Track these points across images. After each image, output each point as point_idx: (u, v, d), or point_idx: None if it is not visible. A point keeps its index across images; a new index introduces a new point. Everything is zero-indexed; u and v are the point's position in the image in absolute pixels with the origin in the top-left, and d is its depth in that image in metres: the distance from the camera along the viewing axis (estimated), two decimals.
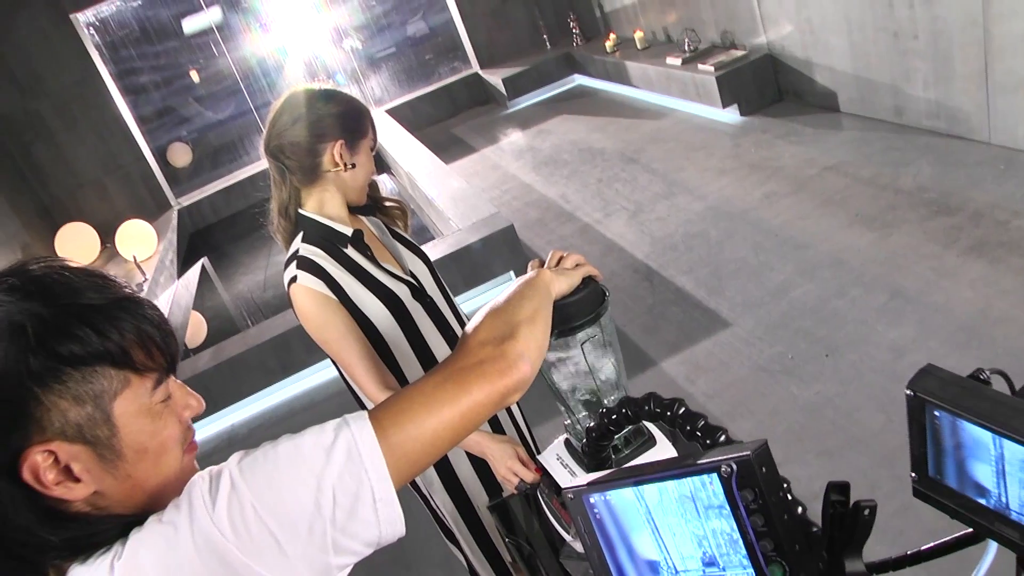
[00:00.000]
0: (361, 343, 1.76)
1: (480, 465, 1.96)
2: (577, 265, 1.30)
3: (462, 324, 2.02)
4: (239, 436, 4.43)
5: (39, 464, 0.78)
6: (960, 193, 3.94)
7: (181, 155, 9.24)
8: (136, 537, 0.80)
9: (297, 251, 1.81)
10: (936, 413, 0.65)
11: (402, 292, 1.86)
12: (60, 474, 0.80)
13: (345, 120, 1.81)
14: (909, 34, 4.52)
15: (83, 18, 8.39)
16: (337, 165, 1.80)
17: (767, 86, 5.98)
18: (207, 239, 8.63)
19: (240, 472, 0.82)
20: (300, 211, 1.84)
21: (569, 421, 1.52)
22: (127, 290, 0.87)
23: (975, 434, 0.61)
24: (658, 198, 5.18)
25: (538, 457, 1.57)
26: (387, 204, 2.01)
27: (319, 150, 1.79)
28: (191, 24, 9.31)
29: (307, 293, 1.75)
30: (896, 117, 4.89)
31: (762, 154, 5.23)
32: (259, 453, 0.85)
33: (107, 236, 7.77)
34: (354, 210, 1.93)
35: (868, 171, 4.49)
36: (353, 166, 1.82)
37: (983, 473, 0.62)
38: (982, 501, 0.63)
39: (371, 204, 1.97)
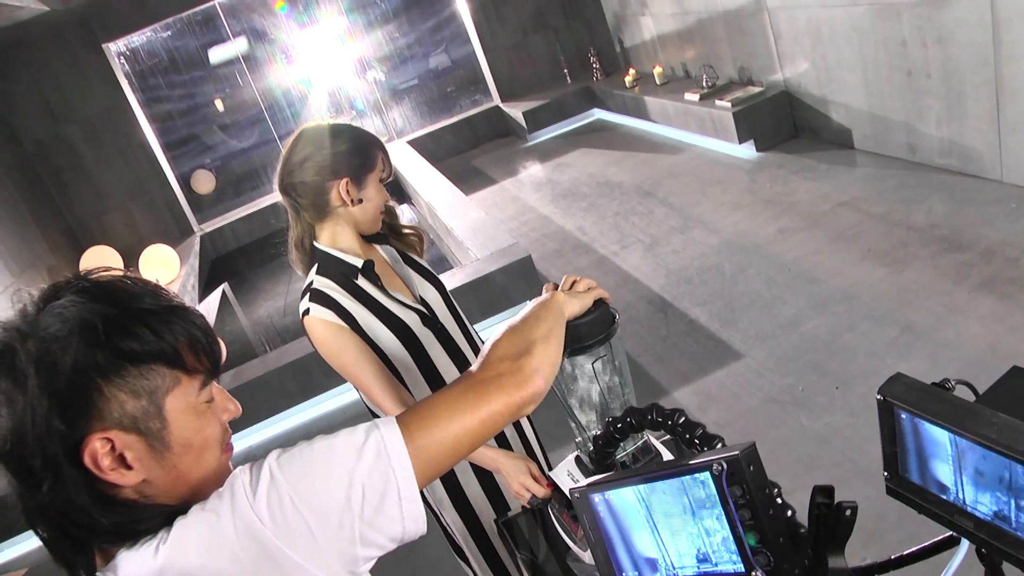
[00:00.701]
0: (375, 364, 1.83)
1: (488, 483, 2.01)
2: (588, 288, 1.38)
3: (476, 349, 2.06)
4: (256, 457, 4.48)
5: (98, 450, 0.87)
6: (971, 230, 3.99)
7: (205, 182, 9.40)
8: (181, 523, 0.88)
9: (311, 283, 1.88)
10: (903, 415, 0.71)
11: (411, 320, 1.91)
12: (115, 461, 0.88)
13: (350, 157, 1.86)
14: (922, 73, 4.59)
15: (114, 48, 8.61)
16: (344, 202, 1.87)
17: (783, 122, 6.06)
18: (228, 265, 8.76)
19: (279, 466, 0.90)
20: (315, 244, 1.92)
21: (580, 439, 1.58)
22: (177, 300, 0.96)
23: (935, 435, 0.67)
24: (674, 231, 5.25)
25: (549, 473, 1.63)
26: (404, 231, 2.07)
27: (326, 188, 1.85)
28: (217, 54, 9.51)
29: (320, 324, 1.82)
30: (909, 155, 4.95)
31: (777, 189, 5.30)
32: (296, 450, 0.93)
33: (131, 260, 7.90)
34: (369, 238, 1.99)
35: (881, 207, 4.54)
36: (360, 201, 1.87)
37: (943, 471, 0.68)
38: (943, 496, 0.69)
39: (385, 232, 2.02)
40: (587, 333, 1.37)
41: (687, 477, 0.75)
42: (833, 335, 3.63)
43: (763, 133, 6.04)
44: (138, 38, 8.88)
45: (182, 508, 0.91)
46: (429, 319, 1.96)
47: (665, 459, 1.56)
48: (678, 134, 7.05)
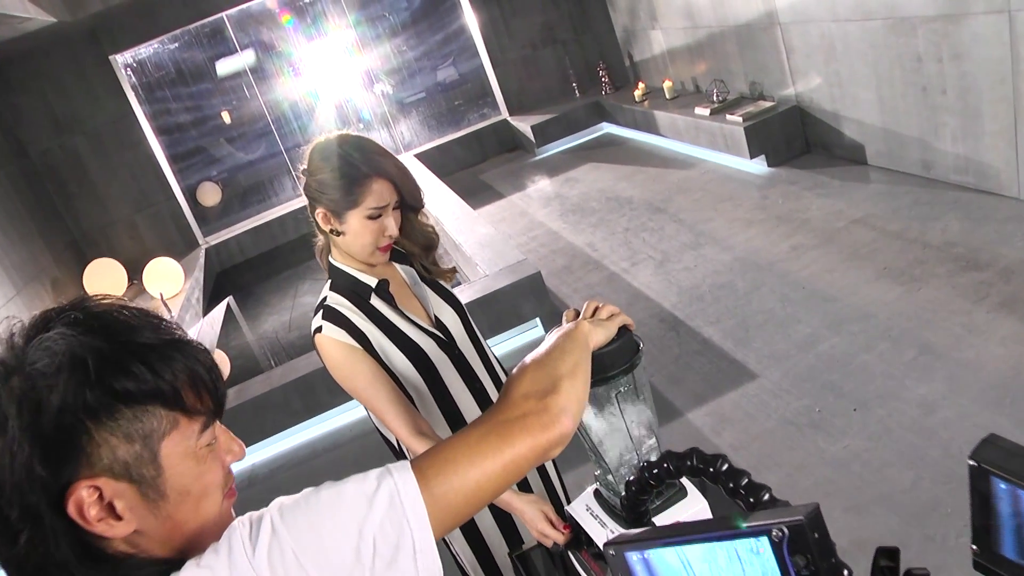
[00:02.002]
0: (389, 389, 1.75)
1: (502, 517, 1.94)
2: (611, 316, 1.31)
3: (494, 375, 1.99)
4: (260, 476, 4.43)
5: (84, 499, 0.79)
6: (989, 249, 3.92)
7: (211, 195, 9.36)
8: None
9: (324, 299, 1.82)
10: (1002, 485, 0.64)
11: (427, 344, 1.84)
12: (103, 511, 0.80)
13: (329, 189, 1.74)
14: (938, 89, 4.53)
15: (121, 59, 8.59)
16: (326, 229, 1.80)
17: (795, 138, 6.00)
18: (233, 278, 8.71)
19: (281, 517, 0.82)
20: (330, 259, 1.86)
21: (599, 471, 1.51)
22: (179, 333, 0.88)
23: None
24: (685, 248, 5.18)
25: (567, 509, 1.56)
26: (437, 267, 1.98)
27: (313, 209, 1.80)
28: (224, 66, 9.49)
29: (332, 344, 1.75)
30: (924, 171, 4.88)
31: (789, 206, 5.23)
32: (300, 499, 0.85)
33: (135, 273, 7.86)
34: (393, 255, 1.91)
35: (896, 225, 4.48)
36: (341, 233, 1.78)
37: None
38: None
39: (412, 252, 1.95)
40: (611, 363, 1.30)
41: (740, 541, 0.68)
42: (849, 355, 3.56)
43: (775, 148, 5.98)
44: (145, 50, 8.86)
45: (176, 561, 0.83)
46: (446, 344, 1.88)
47: (690, 494, 1.49)
48: (688, 149, 6.99)
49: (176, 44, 9.09)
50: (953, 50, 4.31)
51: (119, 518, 0.81)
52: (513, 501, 1.73)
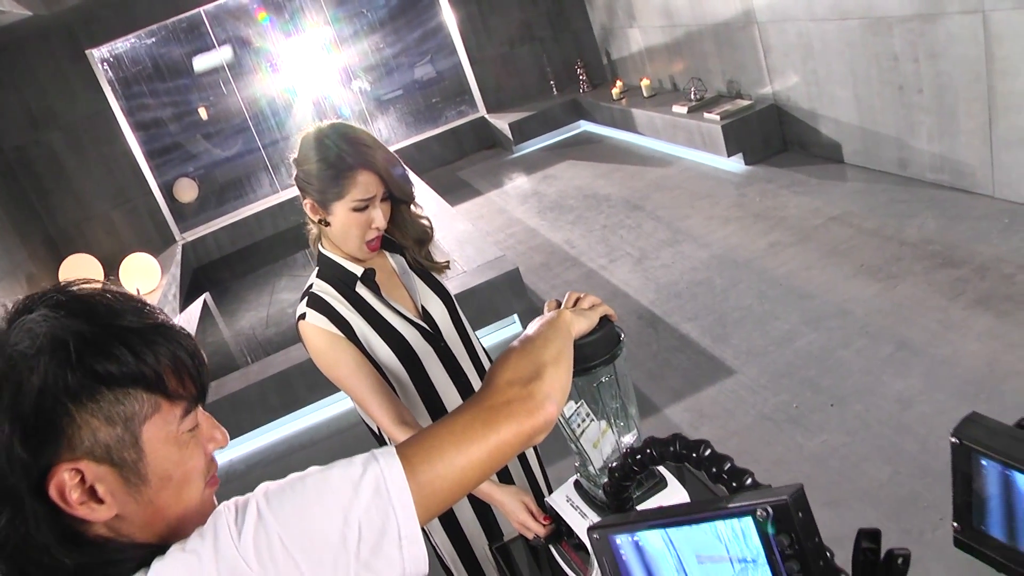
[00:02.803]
0: (373, 378, 1.75)
1: (482, 510, 1.94)
2: (593, 306, 1.31)
3: (481, 369, 1.98)
4: (237, 472, 4.40)
5: (66, 482, 0.78)
6: (965, 246, 3.96)
7: (187, 191, 9.28)
8: (158, 566, 0.80)
9: (311, 286, 1.81)
10: (983, 462, 0.64)
11: (411, 335, 1.83)
12: (85, 494, 0.80)
13: (315, 180, 1.73)
14: (914, 88, 4.57)
15: (98, 54, 8.49)
16: (314, 219, 1.80)
17: (772, 136, 6.03)
18: (211, 275, 8.64)
19: (267, 502, 0.82)
20: (320, 247, 1.85)
21: (580, 463, 1.51)
22: (163, 317, 0.88)
23: None
24: (663, 245, 5.20)
25: (548, 499, 1.56)
26: (430, 261, 1.96)
27: (303, 198, 1.79)
28: (202, 62, 9.42)
29: (315, 332, 1.75)
30: (901, 169, 4.93)
31: (767, 203, 5.26)
32: (286, 484, 0.85)
33: (111, 268, 7.78)
34: (384, 244, 1.89)
35: (873, 222, 4.51)
36: (328, 223, 1.77)
37: None
38: None
39: (403, 243, 1.92)
40: (592, 353, 1.30)
41: (724, 522, 0.68)
42: (827, 351, 3.58)
43: (752, 147, 6.01)
44: (122, 45, 8.77)
45: (158, 547, 0.83)
46: (431, 335, 1.87)
47: (670, 484, 1.49)
48: (666, 147, 7.02)
49: (153, 39, 9.01)
50: (929, 49, 4.35)
51: (100, 502, 0.81)
52: (494, 493, 1.73)
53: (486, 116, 9.34)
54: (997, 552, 0.66)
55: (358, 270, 1.82)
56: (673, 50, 7.26)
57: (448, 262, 2.00)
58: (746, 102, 6.15)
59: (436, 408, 1.88)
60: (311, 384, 4.57)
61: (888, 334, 3.53)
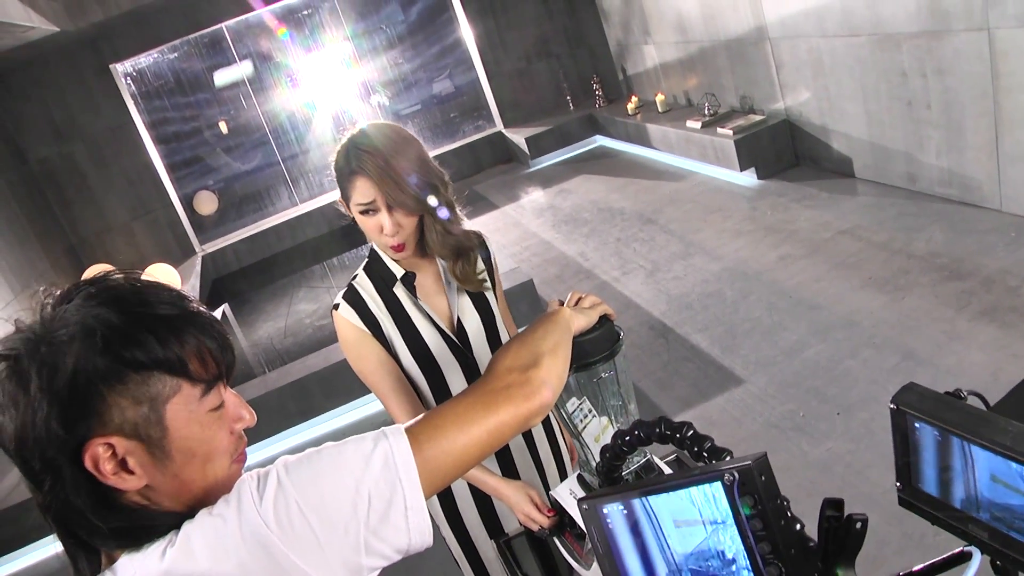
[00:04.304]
0: (395, 376, 1.84)
1: (486, 509, 1.99)
2: (593, 305, 1.39)
3: None
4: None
5: (99, 454, 0.87)
6: (971, 259, 4.01)
7: (207, 203, 9.43)
8: (188, 527, 0.88)
9: (355, 277, 1.89)
10: (916, 425, 0.72)
11: (437, 345, 1.87)
12: (117, 465, 0.88)
13: (336, 173, 1.80)
14: (922, 104, 4.63)
15: (121, 68, 8.67)
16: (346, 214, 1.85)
17: (784, 151, 6.10)
18: (229, 286, 8.77)
19: (287, 472, 0.90)
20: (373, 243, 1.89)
21: (582, 457, 1.58)
22: (193, 305, 0.96)
23: (950, 443, 0.68)
24: (675, 258, 5.27)
25: (552, 493, 1.63)
26: (470, 273, 1.92)
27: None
28: (223, 77, 9.56)
29: (344, 324, 1.84)
30: (909, 184, 4.98)
31: (778, 217, 5.33)
32: (303, 457, 0.93)
33: None
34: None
35: (882, 236, 4.57)
36: (353, 219, 1.83)
37: (957, 480, 0.69)
38: (957, 506, 0.70)
39: (448, 254, 1.89)
40: (592, 350, 1.37)
41: (697, 488, 0.76)
42: (834, 362, 3.64)
43: (764, 161, 6.08)
44: (145, 59, 8.95)
45: (189, 514, 0.91)
46: (459, 349, 1.89)
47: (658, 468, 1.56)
48: (680, 161, 7.09)
49: (175, 54, 9.18)
50: (936, 66, 4.41)
51: (131, 472, 0.89)
52: (500, 487, 1.80)
53: (503, 131, 9.45)
54: (930, 506, 0.73)
55: (399, 271, 1.86)
56: (687, 66, 7.34)
57: (484, 280, 1.94)
58: (759, 117, 6.22)
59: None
60: (328, 392, 4.66)
61: (894, 345, 3.59)
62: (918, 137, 4.78)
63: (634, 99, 8.06)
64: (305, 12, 9.46)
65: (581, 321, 1.33)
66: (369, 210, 1.76)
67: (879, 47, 4.80)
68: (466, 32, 9.28)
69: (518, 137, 8.93)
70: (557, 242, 6.31)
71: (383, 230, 1.77)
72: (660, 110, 7.60)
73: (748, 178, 6.14)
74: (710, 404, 3.68)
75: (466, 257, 1.89)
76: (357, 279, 1.89)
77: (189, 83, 9.41)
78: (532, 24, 9.26)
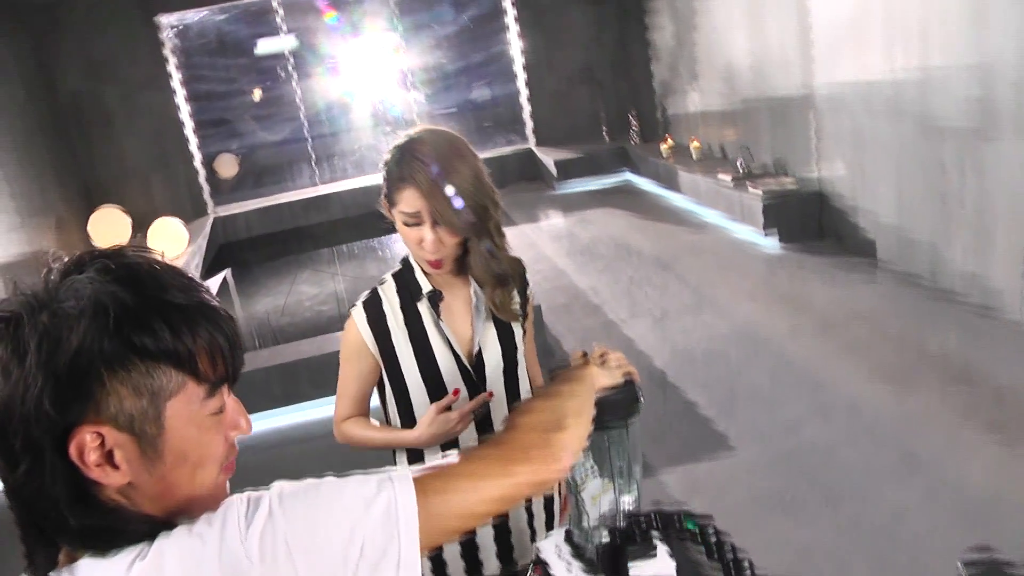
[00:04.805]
0: (360, 395, 1.86)
1: (468, 550, 1.93)
2: (619, 365, 1.34)
3: None
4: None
5: (87, 442, 0.81)
6: (984, 368, 3.95)
7: (228, 167, 9.40)
8: (162, 542, 0.83)
9: (382, 281, 1.84)
10: None
11: (449, 369, 1.81)
12: (103, 457, 0.82)
13: (383, 176, 1.74)
14: (956, 201, 4.59)
15: (167, 20, 8.65)
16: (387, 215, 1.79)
17: (810, 220, 6.06)
18: (236, 253, 8.71)
19: (280, 502, 0.85)
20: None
21: (575, 513, 1.52)
22: (208, 297, 0.89)
23: None
24: (686, 309, 5.22)
25: (536, 545, 1.57)
26: (504, 303, 1.82)
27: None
28: (265, 46, 9.56)
29: (351, 327, 1.81)
30: (931, 278, 4.93)
31: (795, 287, 5.28)
32: (301, 489, 0.88)
33: (140, 228, 7.85)
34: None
35: (896, 326, 4.52)
36: (395, 227, 1.76)
37: None
38: None
39: (485, 279, 1.81)
40: (609, 412, 1.32)
41: None
42: (831, 447, 3.58)
43: (789, 227, 6.04)
44: (192, 15, 8.93)
45: (166, 523, 0.86)
46: (472, 380, 1.83)
47: (659, 554, 1.50)
48: (705, 211, 7.05)
49: (224, 15, 9.17)
50: (977, 165, 4.38)
51: (116, 468, 0.83)
52: (406, 436, 1.80)
53: (534, 149, 9.40)
54: None
55: (427, 287, 1.80)
56: (728, 117, 7.31)
57: (517, 313, 1.85)
58: (790, 182, 6.18)
59: (447, 445, 1.86)
60: (316, 381, 4.60)
61: (894, 441, 3.53)
62: (947, 233, 4.73)
63: (669, 140, 8.02)
64: None
65: (605, 381, 1.28)
66: (413, 222, 1.69)
67: (923, 135, 4.76)
68: (514, 44, 9.25)
69: (548, 158, 8.89)
70: (570, 271, 6.26)
71: (424, 244, 1.70)
72: (693, 157, 7.57)
73: (770, 241, 6.10)
74: (698, 466, 3.62)
75: (506, 285, 1.82)
76: (384, 285, 1.84)
77: (231, 46, 9.41)
78: (581, 48, 9.23)
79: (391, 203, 1.71)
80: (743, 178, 6.52)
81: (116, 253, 0.88)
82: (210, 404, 0.89)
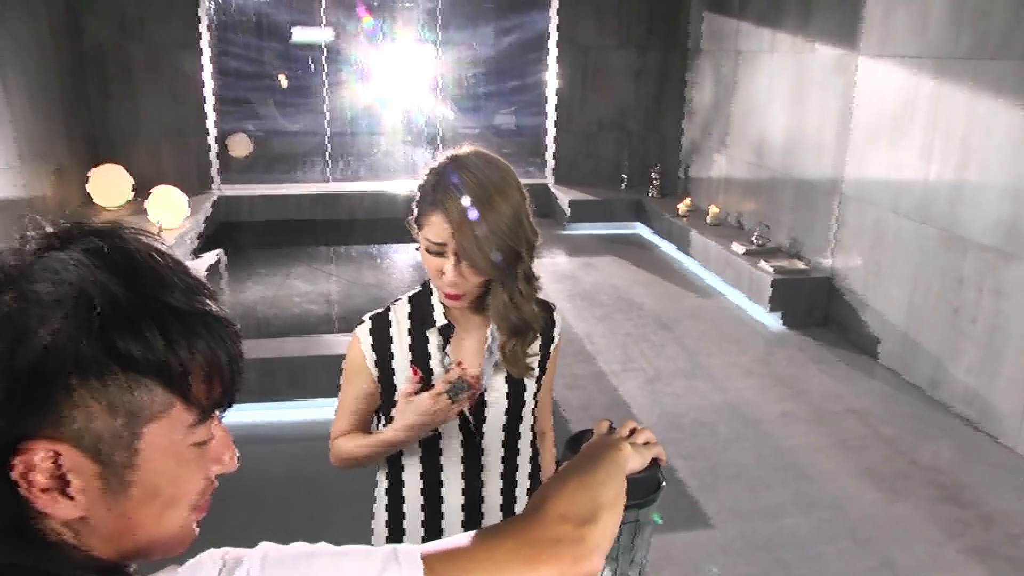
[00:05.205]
0: (360, 415, 1.75)
1: None
2: (648, 443, 1.23)
3: (509, 482, 1.79)
4: None
5: (36, 462, 0.66)
6: (975, 490, 3.86)
7: (241, 146, 9.29)
8: None
9: (397, 301, 1.74)
10: None
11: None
12: (53, 481, 0.67)
13: (417, 192, 1.61)
14: (969, 316, 4.53)
15: None
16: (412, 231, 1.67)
17: (816, 307, 5.99)
18: (233, 235, 8.57)
19: (262, 570, 0.71)
20: None
21: None
22: (213, 304, 0.75)
23: None
24: (679, 374, 5.12)
25: None
26: (517, 354, 1.69)
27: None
28: (301, 34, 9.51)
29: (355, 345, 1.72)
30: (930, 389, 4.85)
31: (792, 371, 5.19)
32: (290, 557, 0.74)
33: (141, 191, 7.71)
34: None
35: (890, 430, 4.43)
36: (419, 248, 1.64)
37: None
38: None
39: (503, 323, 1.67)
40: (631, 493, 1.21)
41: None
42: (810, 541, 3.47)
43: (794, 310, 5.97)
44: None
45: (112, 568, 0.72)
46: (467, 426, 1.71)
47: None
48: (712, 278, 6.98)
49: None
50: (996, 285, 4.32)
51: (68, 497, 0.68)
52: (397, 433, 1.64)
53: (551, 185, 9.33)
54: None
55: (440, 318, 1.69)
56: (750, 188, 7.27)
57: (531, 367, 1.71)
58: (803, 265, 6.12)
59: (431, 490, 1.75)
60: (295, 382, 4.48)
61: (876, 547, 3.43)
62: (954, 347, 4.66)
63: (687, 201, 7.97)
64: (406, 4, 9.42)
65: (635, 463, 1.15)
66: (437, 250, 1.56)
67: (945, 245, 4.71)
68: (551, 78, 9.19)
69: (563, 196, 8.82)
70: (568, 315, 6.15)
71: (444, 275, 1.58)
72: (709, 221, 7.51)
73: (773, 320, 6.02)
74: (673, 538, 3.51)
75: (523, 336, 1.67)
76: (397, 305, 1.74)
77: (267, 28, 9.34)
78: (616, 94, 9.19)
79: (419, 224, 1.59)
80: (756, 252, 6.45)
81: (112, 232, 0.73)
82: (196, 434, 0.74)
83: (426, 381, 1.66)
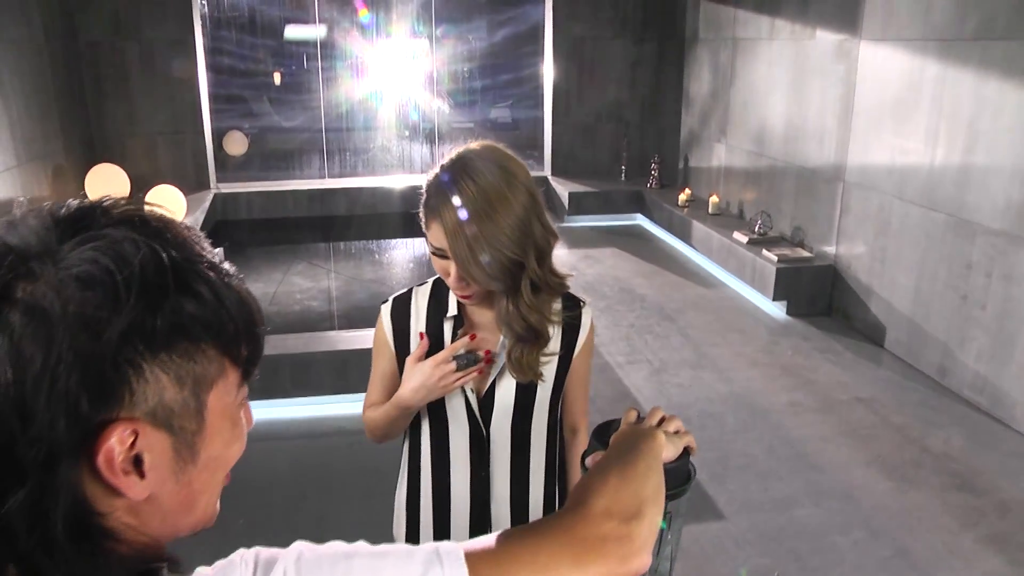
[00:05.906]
0: (389, 390, 1.71)
1: None
2: (679, 432, 1.19)
3: (519, 478, 1.74)
4: None
5: (117, 444, 0.63)
6: (989, 477, 3.82)
7: (238, 144, 9.21)
8: None
9: (421, 284, 1.74)
10: None
11: (453, 399, 1.67)
12: (129, 462, 0.65)
13: (424, 191, 1.56)
14: (978, 302, 4.48)
15: None
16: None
17: (821, 296, 5.94)
18: (231, 233, 8.50)
19: (297, 570, 0.69)
20: None
21: None
22: (231, 269, 0.74)
23: None
24: (684, 365, 5.07)
25: None
26: (525, 359, 1.62)
27: None
28: (294, 31, 9.44)
29: (378, 325, 1.74)
30: (939, 376, 4.81)
31: (798, 360, 5.14)
32: (327, 557, 0.71)
33: (138, 190, 7.64)
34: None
35: (899, 418, 4.38)
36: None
37: None
38: None
39: (514, 331, 1.60)
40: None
41: None
42: (823, 531, 3.43)
43: (798, 299, 5.92)
44: None
45: (153, 559, 0.69)
46: (474, 420, 1.68)
47: None
48: (714, 268, 6.93)
49: None
50: (1006, 269, 4.27)
51: (142, 476, 0.66)
52: (403, 396, 1.63)
53: (549, 177, 9.26)
54: None
55: (452, 310, 1.66)
56: (751, 177, 7.21)
57: (537, 373, 1.63)
58: (806, 253, 6.07)
59: (439, 486, 1.75)
60: (298, 380, 4.42)
61: (889, 536, 3.38)
62: (962, 334, 4.61)
63: (687, 191, 7.91)
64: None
65: (669, 452, 1.11)
66: (440, 254, 1.53)
67: (953, 230, 4.65)
68: (547, 70, 9.12)
69: (562, 189, 8.75)
70: None
71: (448, 278, 1.56)
72: (710, 211, 7.46)
73: (777, 310, 5.97)
74: (685, 530, 3.43)
75: (532, 343, 1.60)
76: (421, 288, 1.73)
77: (261, 25, 9.27)
78: (614, 84, 9.12)
79: (424, 225, 1.56)
80: (759, 242, 6.40)
81: (136, 206, 0.70)
82: (240, 394, 0.75)
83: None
